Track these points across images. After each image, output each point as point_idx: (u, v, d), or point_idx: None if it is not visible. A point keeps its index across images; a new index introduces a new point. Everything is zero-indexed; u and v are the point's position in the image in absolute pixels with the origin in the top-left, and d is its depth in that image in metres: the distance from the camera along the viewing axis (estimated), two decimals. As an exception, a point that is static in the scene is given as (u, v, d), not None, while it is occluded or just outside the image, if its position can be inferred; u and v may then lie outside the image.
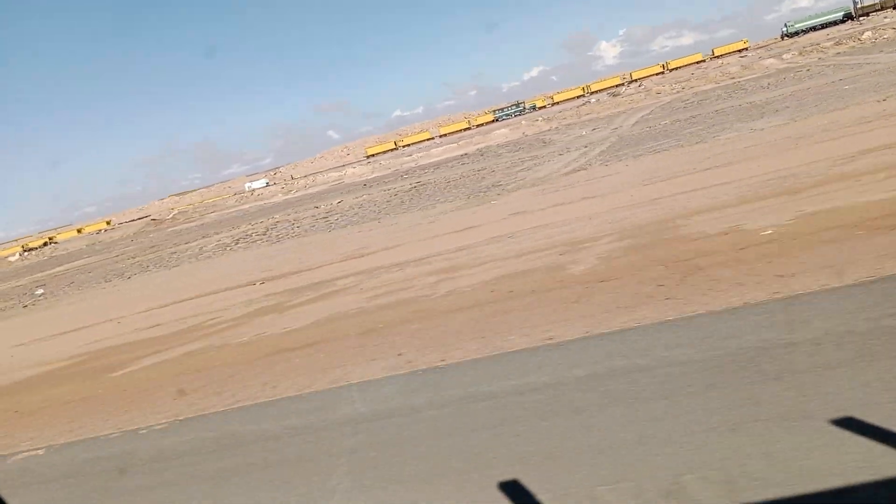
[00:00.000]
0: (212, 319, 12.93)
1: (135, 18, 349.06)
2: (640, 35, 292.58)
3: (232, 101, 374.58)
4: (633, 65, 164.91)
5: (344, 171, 73.24)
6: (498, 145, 50.06)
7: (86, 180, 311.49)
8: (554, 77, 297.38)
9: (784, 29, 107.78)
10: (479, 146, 54.87)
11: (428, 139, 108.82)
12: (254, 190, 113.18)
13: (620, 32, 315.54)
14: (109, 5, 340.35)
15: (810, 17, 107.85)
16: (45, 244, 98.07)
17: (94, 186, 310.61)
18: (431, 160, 55.94)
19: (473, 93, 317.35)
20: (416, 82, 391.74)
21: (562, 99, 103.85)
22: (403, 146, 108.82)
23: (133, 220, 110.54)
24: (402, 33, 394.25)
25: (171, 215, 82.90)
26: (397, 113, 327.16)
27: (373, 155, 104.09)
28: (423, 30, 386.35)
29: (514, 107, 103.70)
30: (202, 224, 56.42)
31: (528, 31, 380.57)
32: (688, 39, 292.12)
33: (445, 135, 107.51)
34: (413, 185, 33.60)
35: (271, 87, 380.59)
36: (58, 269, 44.34)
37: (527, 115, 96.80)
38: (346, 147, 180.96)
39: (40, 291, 29.33)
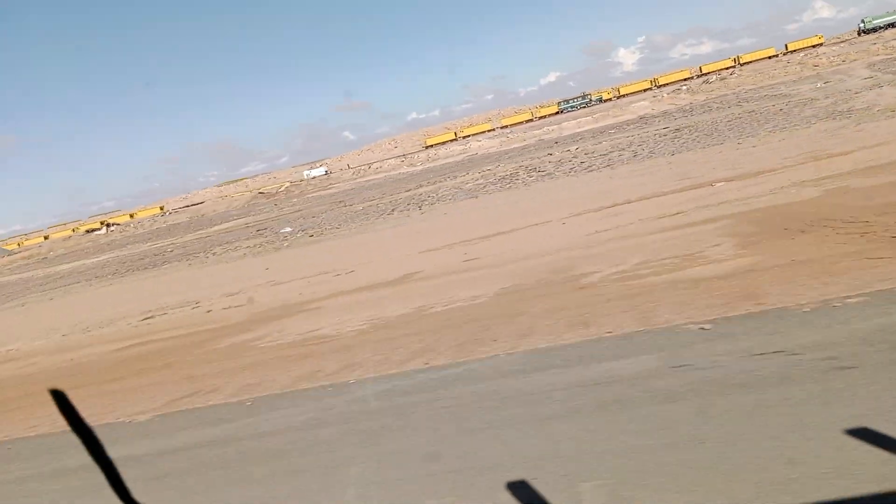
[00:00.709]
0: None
1: (157, 18, 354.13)
2: (660, 42, 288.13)
3: (252, 101, 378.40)
4: (652, 71, 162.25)
5: (468, 146, 74.22)
6: (664, 112, 50.91)
7: (104, 177, 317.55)
8: (571, 83, 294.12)
9: (861, 25, 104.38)
10: (624, 118, 55.46)
11: (489, 130, 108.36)
12: (313, 177, 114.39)
13: (639, 40, 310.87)
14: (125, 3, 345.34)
15: (888, 14, 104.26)
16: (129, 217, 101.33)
17: (113, 184, 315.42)
18: (575, 131, 56.71)
19: (490, 96, 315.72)
20: (434, 85, 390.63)
21: (629, 91, 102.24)
22: (464, 136, 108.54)
23: (187, 206, 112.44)
24: (422, 35, 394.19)
25: (283, 188, 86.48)
26: (413, 115, 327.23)
27: (465, 137, 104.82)
28: (443, 33, 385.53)
29: (580, 98, 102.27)
30: (333, 193, 57.91)
31: (548, 37, 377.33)
32: (707, 47, 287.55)
33: (507, 126, 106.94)
34: (672, 130, 35.52)
35: (292, 87, 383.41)
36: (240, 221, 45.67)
37: (594, 106, 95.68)
38: (393, 140, 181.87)
39: (287, 230, 31.42)
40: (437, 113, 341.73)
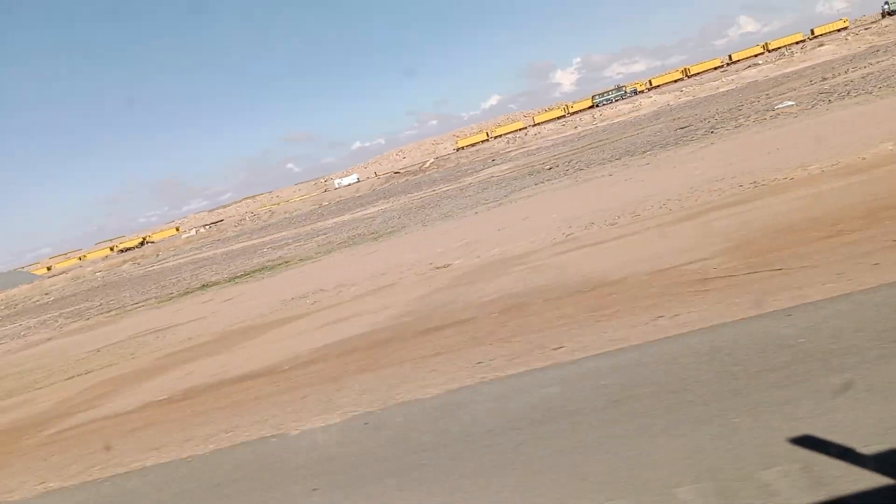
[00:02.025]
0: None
1: (92, 55, 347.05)
2: (596, 62, 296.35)
3: (193, 136, 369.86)
4: (590, 90, 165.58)
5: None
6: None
7: (37, 224, 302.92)
8: (512, 105, 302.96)
9: (885, 6, 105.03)
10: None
11: (521, 128, 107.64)
12: (343, 186, 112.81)
13: (576, 60, 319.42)
14: (64, 40, 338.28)
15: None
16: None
17: (48, 229, 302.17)
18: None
19: (435, 122, 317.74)
20: (378, 112, 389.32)
21: (661, 82, 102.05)
22: (495, 136, 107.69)
23: (207, 225, 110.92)
24: (364, 62, 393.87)
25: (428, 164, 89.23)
26: (357, 144, 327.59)
27: (497, 136, 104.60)
28: (384, 59, 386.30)
29: (614, 91, 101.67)
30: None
31: (487, 61, 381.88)
32: (640, 66, 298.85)
33: (540, 123, 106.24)
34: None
35: (233, 121, 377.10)
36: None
37: (629, 97, 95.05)
38: (400, 150, 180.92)
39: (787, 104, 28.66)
40: (382, 141, 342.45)
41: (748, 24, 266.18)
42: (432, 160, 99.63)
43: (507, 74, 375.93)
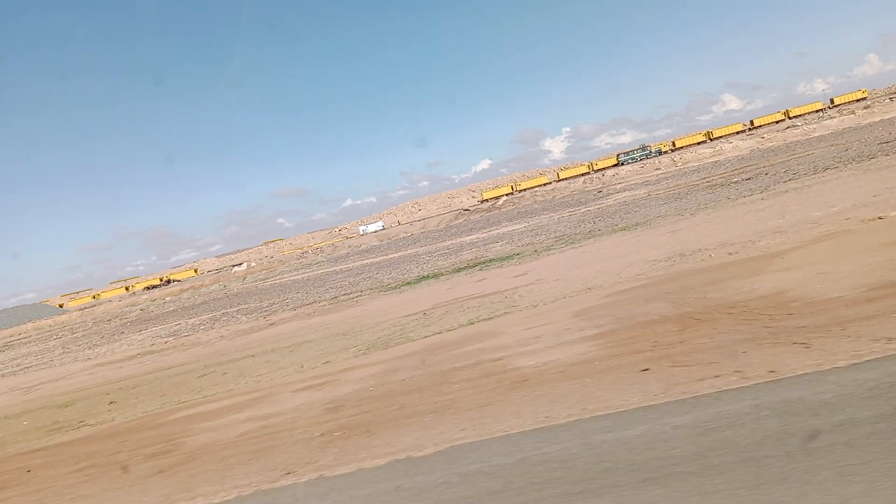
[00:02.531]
0: None
1: (89, 105, 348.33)
2: (586, 131, 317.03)
3: (185, 187, 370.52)
4: (579, 158, 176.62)
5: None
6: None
7: (21, 270, 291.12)
8: (503, 170, 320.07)
9: None
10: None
11: (545, 183, 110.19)
12: (367, 233, 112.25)
13: (565, 130, 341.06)
14: (59, 89, 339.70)
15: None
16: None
17: (32, 275, 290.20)
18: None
19: (426, 183, 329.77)
20: (370, 171, 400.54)
21: (684, 143, 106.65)
22: (520, 190, 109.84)
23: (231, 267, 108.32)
24: (359, 121, 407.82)
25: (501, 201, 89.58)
26: (349, 202, 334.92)
27: (521, 190, 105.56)
28: (381, 120, 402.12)
29: (639, 151, 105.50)
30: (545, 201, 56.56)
31: (480, 127, 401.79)
32: (627, 138, 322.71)
33: (563, 178, 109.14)
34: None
35: (226, 174, 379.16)
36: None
37: (654, 158, 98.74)
38: (416, 203, 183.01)
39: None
40: (373, 199, 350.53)
41: (731, 102, 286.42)
42: (504, 198, 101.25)
43: (498, 140, 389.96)
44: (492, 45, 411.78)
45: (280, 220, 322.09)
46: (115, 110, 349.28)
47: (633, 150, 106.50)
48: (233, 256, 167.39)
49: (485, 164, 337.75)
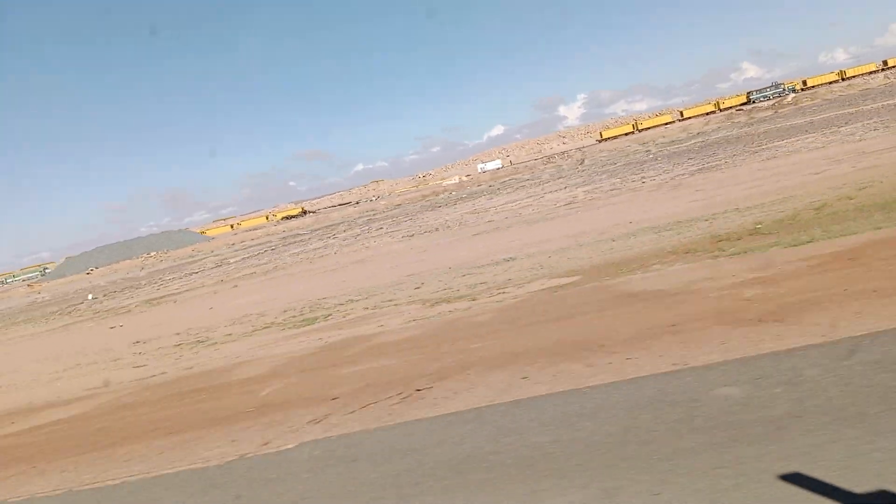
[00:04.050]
0: None
1: (106, 66, 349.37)
2: (603, 98, 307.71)
3: (202, 148, 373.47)
4: (594, 124, 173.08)
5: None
6: None
7: (37, 228, 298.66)
8: (518, 135, 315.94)
9: None
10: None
11: (670, 122, 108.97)
12: (486, 171, 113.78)
13: (581, 96, 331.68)
14: (81, 51, 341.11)
15: None
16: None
17: (49, 234, 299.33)
18: None
19: (437, 149, 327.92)
20: (385, 135, 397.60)
21: (816, 83, 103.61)
22: (643, 128, 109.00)
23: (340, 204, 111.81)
24: (376, 84, 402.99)
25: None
26: (360, 166, 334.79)
27: (643, 129, 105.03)
28: (395, 86, 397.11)
29: (771, 88, 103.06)
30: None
31: (496, 92, 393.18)
32: (644, 105, 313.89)
33: (687, 117, 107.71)
34: None
35: (244, 135, 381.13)
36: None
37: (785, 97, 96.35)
38: (503, 148, 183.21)
39: None
40: (385, 164, 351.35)
41: (750, 70, 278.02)
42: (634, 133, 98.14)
43: (513, 106, 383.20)
44: (511, 11, 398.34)
45: (292, 183, 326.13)
46: (135, 69, 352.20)
47: (766, 88, 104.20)
48: (331, 198, 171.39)
49: (498, 129, 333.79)
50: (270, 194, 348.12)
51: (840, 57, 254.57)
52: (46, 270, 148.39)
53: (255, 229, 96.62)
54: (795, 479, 3.55)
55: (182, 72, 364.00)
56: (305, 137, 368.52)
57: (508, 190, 44.29)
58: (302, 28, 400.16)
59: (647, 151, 50.41)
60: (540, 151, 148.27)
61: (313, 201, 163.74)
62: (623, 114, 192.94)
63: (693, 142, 48.74)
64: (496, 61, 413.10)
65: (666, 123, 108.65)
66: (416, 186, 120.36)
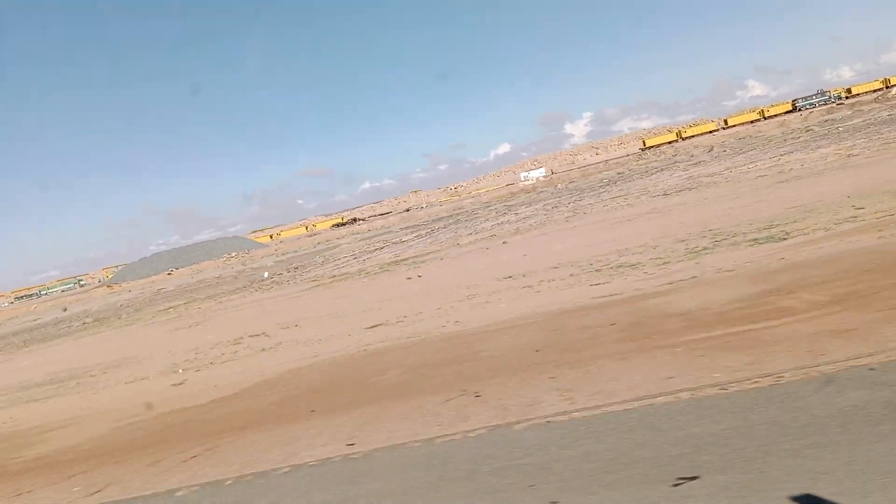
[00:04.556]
0: None
1: (112, 83, 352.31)
2: (609, 115, 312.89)
3: (211, 165, 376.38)
4: (601, 140, 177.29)
5: None
6: None
7: (46, 245, 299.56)
8: (524, 153, 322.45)
9: None
10: None
11: (714, 130, 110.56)
12: (529, 179, 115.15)
13: (586, 114, 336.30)
14: (86, 68, 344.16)
15: None
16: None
17: (56, 252, 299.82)
18: None
19: (444, 167, 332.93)
20: (393, 153, 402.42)
21: (860, 91, 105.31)
22: (686, 137, 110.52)
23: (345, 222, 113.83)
24: (384, 101, 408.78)
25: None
26: (367, 184, 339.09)
27: (686, 137, 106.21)
28: (404, 102, 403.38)
29: (818, 95, 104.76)
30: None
31: (502, 111, 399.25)
32: (650, 122, 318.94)
33: (731, 126, 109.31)
34: None
35: (252, 153, 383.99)
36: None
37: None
38: (535, 160, 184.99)
39: None
40: (392, 182, 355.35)
41: (756, 88, 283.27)
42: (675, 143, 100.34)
43: (520, 123, 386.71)
44: (516, 28, 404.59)
45: (300, 201, 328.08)
46: (145, 86, 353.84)
47: (812, 96, 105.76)
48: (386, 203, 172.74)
49: (504, 147, 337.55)
50: (278, 212, 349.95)
51: (846, 74, 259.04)
52: (81, 282, 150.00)
53: (314, 234, 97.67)
54: None
55: (188, 89, 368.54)
56: (311, 155, 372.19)
57: (668, 171, 45.09)
58: (308, 46, 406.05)
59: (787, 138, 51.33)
60: (573, 163, 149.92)
61: (348, 212, 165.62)
62: (629, 131, 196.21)
63: (804, 136, 49.78)
64: (502, 79, 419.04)
65: (711, 131, 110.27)
66: (451, 198, 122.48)
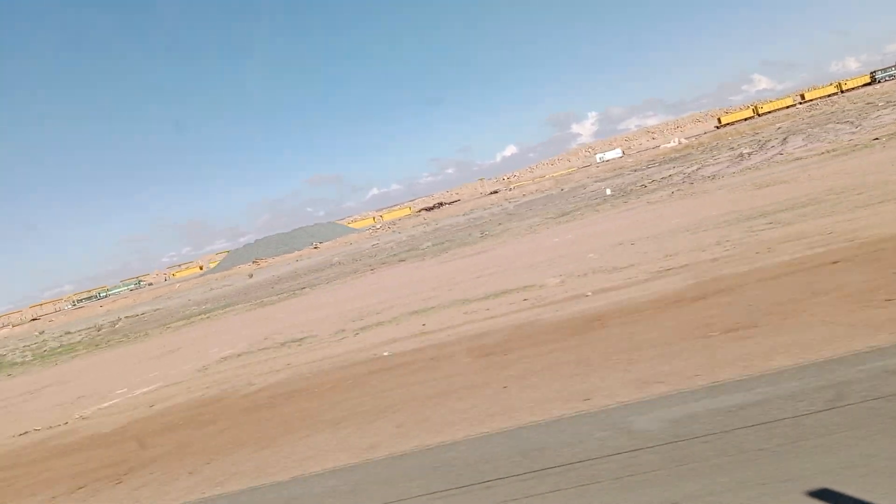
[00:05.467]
0: None
1: (123, 95, 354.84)
2: (615, 114, 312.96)
3: (219, 176, 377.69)
4: (609, 139, 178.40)
5: None
6: None
7: (59, 260, 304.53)
8: (531, 154, 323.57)
9: None
10: None
11: (790, 105, 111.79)
12: (605, 160, 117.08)
13: (591, 115, 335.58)
14: (93, 82, 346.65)
15: None
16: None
17: (71, 266, 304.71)
18: None
19: (451, 170, 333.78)
20: (398, 159, 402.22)
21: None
22: (765, 112, 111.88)
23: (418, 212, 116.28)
24: (391, 108, 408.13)
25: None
26: (375, 190, 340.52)
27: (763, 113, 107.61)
28: (407, 109, 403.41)
29: (894, 67, 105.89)
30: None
31: (508, 112, 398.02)
32: (655, 120, 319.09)
33: (807, 101, 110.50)
34: None
35: (259, 163, 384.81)
36: None
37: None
38: (589, 147, 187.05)
39: None
40: (398, 187, 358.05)
41: (762, 83, 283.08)
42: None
43: (525, 124, 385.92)
44: (520, 30, 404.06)
45: (308, 209, 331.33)
46: (152, 97, 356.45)
47: (889, 67, 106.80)
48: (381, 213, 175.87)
49: (510, 150, 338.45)
50: (288, 220, 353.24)
51: (851, 65, 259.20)
52: (141, 282, 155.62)
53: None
54: None
55: (195, 100, 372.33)
56: (317, 163, 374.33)
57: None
58: (309, 52, 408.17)
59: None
60: (629, 147, 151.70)
61: (422, 199, 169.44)
62: (635, 129, 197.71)
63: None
64: (506, 80, 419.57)
65: (788, 106, 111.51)
66: (507, 187, 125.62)
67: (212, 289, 56.73)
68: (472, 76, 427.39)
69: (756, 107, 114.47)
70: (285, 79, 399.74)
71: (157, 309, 48.86)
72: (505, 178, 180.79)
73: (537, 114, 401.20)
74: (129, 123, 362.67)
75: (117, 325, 41.40)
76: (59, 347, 35.52)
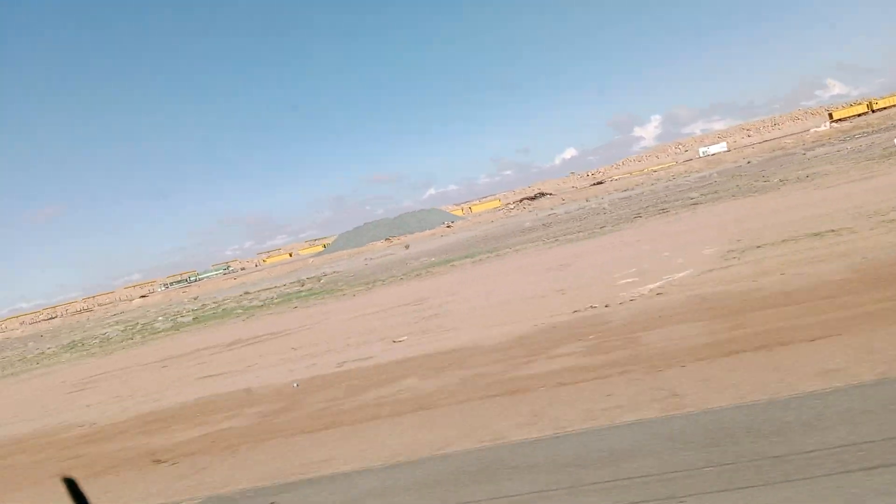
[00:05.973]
0: None
1: (194, 96, 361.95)
2: (681, 116, 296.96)
3: (283, 172, 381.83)
4: (673, 142, 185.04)
5: None
6: None
7: (129, 251, 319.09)
8: (591, 157, 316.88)
9: None
10: None
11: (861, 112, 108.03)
12: (708, 154, 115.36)
13: (653, 117, 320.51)
14: (168, 82, 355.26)
15: None
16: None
17: (139, 257, 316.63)
18: None
19: (509, 172, 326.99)
20: (458, 158, 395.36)
21: None
22: (875, 109, 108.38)
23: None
24: (450, 108, 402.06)
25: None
26: (432, 190, 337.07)
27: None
28: (469, 109, 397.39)
29: None
30: None
31: (569, 115, 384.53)
32: (722, 125, 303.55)
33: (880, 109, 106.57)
34: None
35: (323, 159, 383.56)
36: None
37: None
38: (679, 143, 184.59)
39: None
40: (455, 187, 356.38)
41: (835, 87, 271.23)
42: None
43: (585, 127, 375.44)
44: (581, 30, 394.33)
45: (367, 207, 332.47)
46: (220, 98, 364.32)
47: None
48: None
49: (570, 153, 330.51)
50: (348, 216, 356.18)
51: None
52: (229, 267, 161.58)
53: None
54: None
55: (260, 102, 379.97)
56: (377, 161, 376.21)
57: None
58: (372, 56, 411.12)
59: None
60: (734, 142, 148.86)
61: (513, 191, 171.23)
62: (700, 133, 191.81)
63: None
64: (568, 81, 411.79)
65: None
66: (628, 174, 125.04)
67: (368, 260, 58.32)
68: (534, 76, 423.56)
69: (870, 103, 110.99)
70: (348, 77, 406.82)
71: (336, 272, 50.40)
72: (589, 174, 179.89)
73: (597, 117, 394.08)
74: (197, 124, 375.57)
75: (322, 280, 43.04)
76: (302, 291, 37.22)
